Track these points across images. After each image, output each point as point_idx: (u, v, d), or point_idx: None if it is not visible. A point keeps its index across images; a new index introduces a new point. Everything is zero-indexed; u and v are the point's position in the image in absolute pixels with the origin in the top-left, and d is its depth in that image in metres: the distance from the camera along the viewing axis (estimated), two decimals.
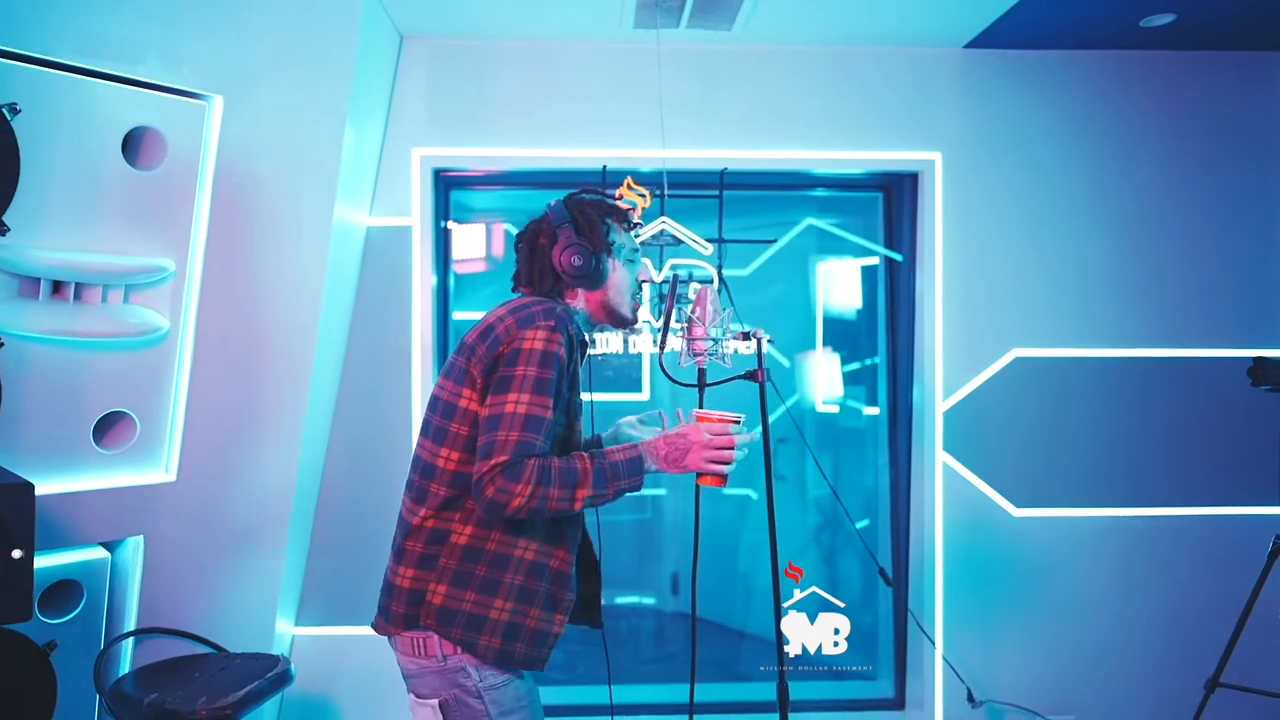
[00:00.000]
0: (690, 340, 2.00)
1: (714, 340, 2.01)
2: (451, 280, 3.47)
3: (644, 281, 2.01)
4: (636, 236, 2.01)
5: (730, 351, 2.01)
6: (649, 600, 4.38)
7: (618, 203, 2.00)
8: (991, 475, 3.28)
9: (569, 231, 1.85)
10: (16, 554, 1.76)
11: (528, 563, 1.75)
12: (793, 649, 1.79)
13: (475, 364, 1.73)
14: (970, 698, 3.16)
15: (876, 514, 3.61)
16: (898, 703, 3.45)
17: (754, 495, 4.33)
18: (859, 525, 3.70)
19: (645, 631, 4.20)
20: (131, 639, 2.53)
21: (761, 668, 1.91)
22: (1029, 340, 3.26)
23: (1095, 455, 3.28)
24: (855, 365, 3.70)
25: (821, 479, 4.18)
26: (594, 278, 1.87)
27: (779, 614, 1.93)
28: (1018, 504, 3.27)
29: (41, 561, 2.20)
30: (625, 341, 3.36)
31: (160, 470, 2.53)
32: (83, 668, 2.31)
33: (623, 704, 3.40)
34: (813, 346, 3.85)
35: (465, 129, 3.19)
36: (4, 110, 2.01)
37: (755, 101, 3.26)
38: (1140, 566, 3.28)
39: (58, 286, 2.24)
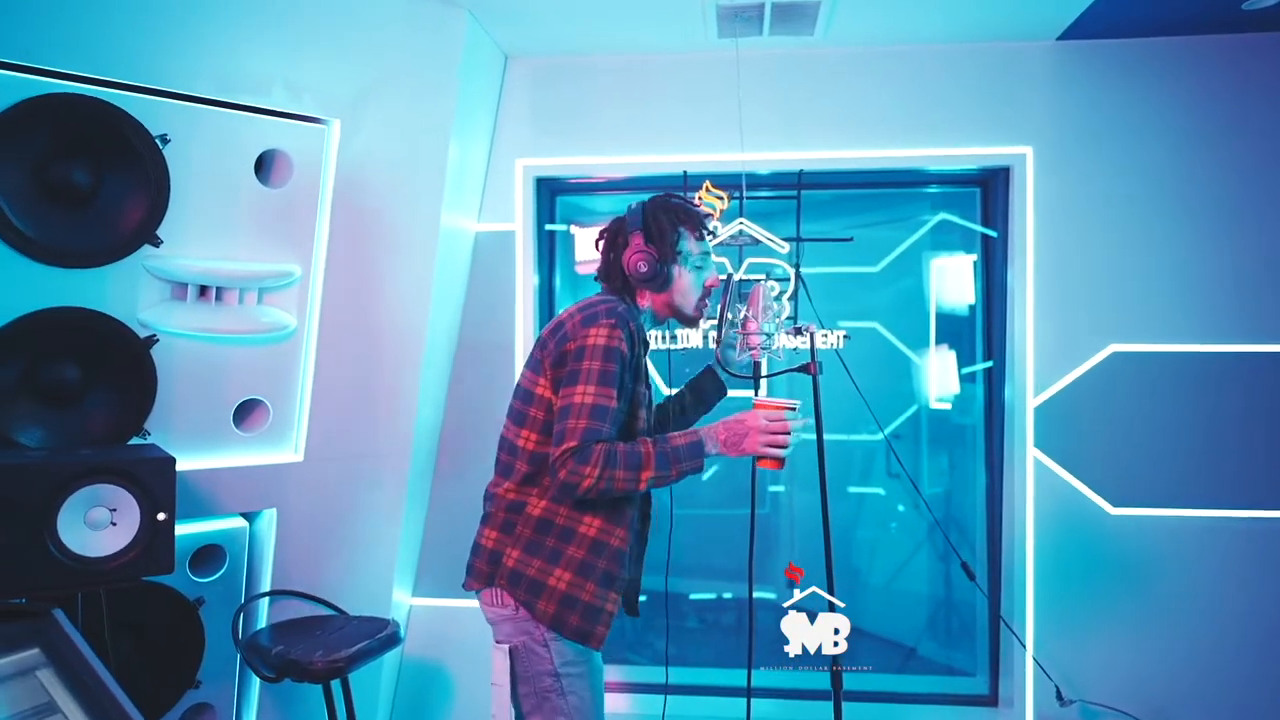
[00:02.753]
0: (744, 335, 2.12)
1: (767, 335, 2.12)
2: (558, 280, 3.66)
3: (711, 286, 2.13)
4: (711, 240, 2.10)
5: (780, 347, 2.12)
6: (769, 595, 4.47)
7: (697, 207, 2.09)
8: (1087, 473, 3.19)
9: (639, 237, 1.98)
10: (161, 516, 2.03)
11: (590, 539, 1.90)
12: (793, 649, 1.89)
13: (546, 356, 1.91)
14: (1059, 696, 3.11)
15: (976, 510, 3.59)
16: (992, 699, 3.42)
17: (882, 492, 4.36)
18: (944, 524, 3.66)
19: (761, 624, 4.30)
20: (267, 599, 2.80)
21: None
22: (1127, 335, 3.15)
23: (1198, 454, 3.13)
24: (970, 362, 3.66)
25: (936, 477, 4.16)
26: (658, 283, 1.99)
27: (832, 607, 1.98)
28: (1115, 503, 3.17)
29: (190, 528, 2.51)
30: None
31: (290, 450, 2.78)
32: (225, 621, 2.58)
33: (725, 685, 3.57)
34: (928, 343, 3.85)
35: (564, 139, 3.35)
36: (157, 140, 2.32)
37: (837, 102, 3.26)
38: (1245, 569, 3.12)
39: (202, 290, 2.51)
